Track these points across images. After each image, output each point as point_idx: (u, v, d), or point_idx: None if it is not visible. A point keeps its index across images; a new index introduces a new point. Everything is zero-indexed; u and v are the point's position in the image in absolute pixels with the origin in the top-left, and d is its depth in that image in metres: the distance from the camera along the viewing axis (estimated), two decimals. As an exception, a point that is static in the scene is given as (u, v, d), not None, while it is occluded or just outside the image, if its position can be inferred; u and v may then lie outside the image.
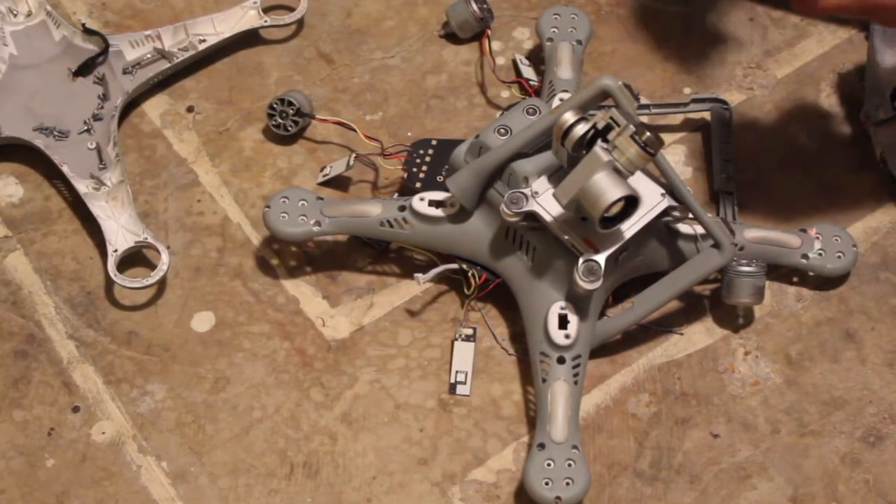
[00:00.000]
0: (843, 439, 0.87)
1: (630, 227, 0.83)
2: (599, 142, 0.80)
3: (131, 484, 0.86)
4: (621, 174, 0.79)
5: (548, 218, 0.84)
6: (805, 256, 0.91)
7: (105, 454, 0.87)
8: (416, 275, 0.89)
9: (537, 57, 1.03)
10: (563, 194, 0.81)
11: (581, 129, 0.80)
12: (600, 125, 0.80)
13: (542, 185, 0.84)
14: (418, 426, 0.88)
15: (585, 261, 0.83)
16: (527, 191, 0.84)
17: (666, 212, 0.84)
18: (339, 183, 0.98)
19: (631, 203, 0.81)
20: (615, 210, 0.81)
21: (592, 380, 0.89)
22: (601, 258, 0.83)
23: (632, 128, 0.78)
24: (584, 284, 0.82)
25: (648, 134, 0.78)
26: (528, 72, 1.02)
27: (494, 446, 0.88)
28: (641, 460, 0.87)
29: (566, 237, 0.84)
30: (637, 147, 0.78)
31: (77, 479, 0.86)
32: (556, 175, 0.84)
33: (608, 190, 0.79)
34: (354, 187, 0.99)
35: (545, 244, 0.86)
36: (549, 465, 0.83)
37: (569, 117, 0.80)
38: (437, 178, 0.94)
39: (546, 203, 0.84)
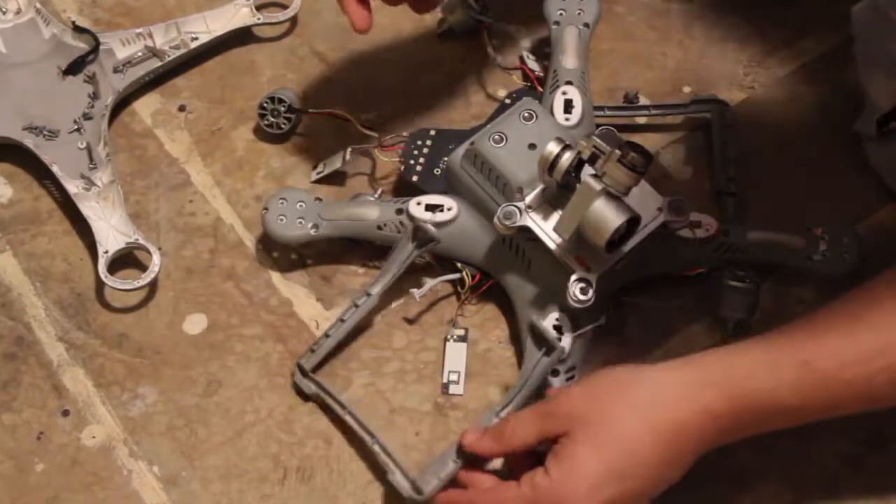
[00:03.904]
0: (846, 442, 0.86)
1: (626, 244, 0.82)
2: (587, 169, 0.79)
3: (122, 489, 0.85)
4: (617, 197, 0.79)
5: (541, 234, 0.83)
6: (809, 258, 0.89)
7: (95, 458, 0.86)
8: (411, 290, 0.89)
9: (538, 53, 1.02)
10: (563, 229, 0.81)
11: (567, 158, 0.80)
12: (585, 155, 0.79)
13: (536, 199, 0.83)
14: (414, 430, 0.87)
15: (578, 278, 0.82)
16: (521, 205, 0.83)
17: (664, 224, 0.83)
18: (334, 178, 0.97)
19: (633, 222, 0.80)
20: (619, 234, 0.80)
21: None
22: (593, 276, 0.82)
23: (617, 152, 0.77)
24: (576, 304, 0.82)
25: (633, 154, 0.77)
26: (535, 66, 1.01)
27: (491, 451, 0.86)
28: (640, 465, 0.85)
29: (560, 256, 0.83)
30: (626, 170, 0.77)
31: (67, 483, 0.86)
32: (550, 190, 0.83)
33: (609, 218, 0.78)
34: (350, 182, 0.97)
35: (541, 254, 0.85)
36: None
37: (553, 148, 0.80)
38: (435, 171, 0.92)
39: (539, 219, 0.83)
